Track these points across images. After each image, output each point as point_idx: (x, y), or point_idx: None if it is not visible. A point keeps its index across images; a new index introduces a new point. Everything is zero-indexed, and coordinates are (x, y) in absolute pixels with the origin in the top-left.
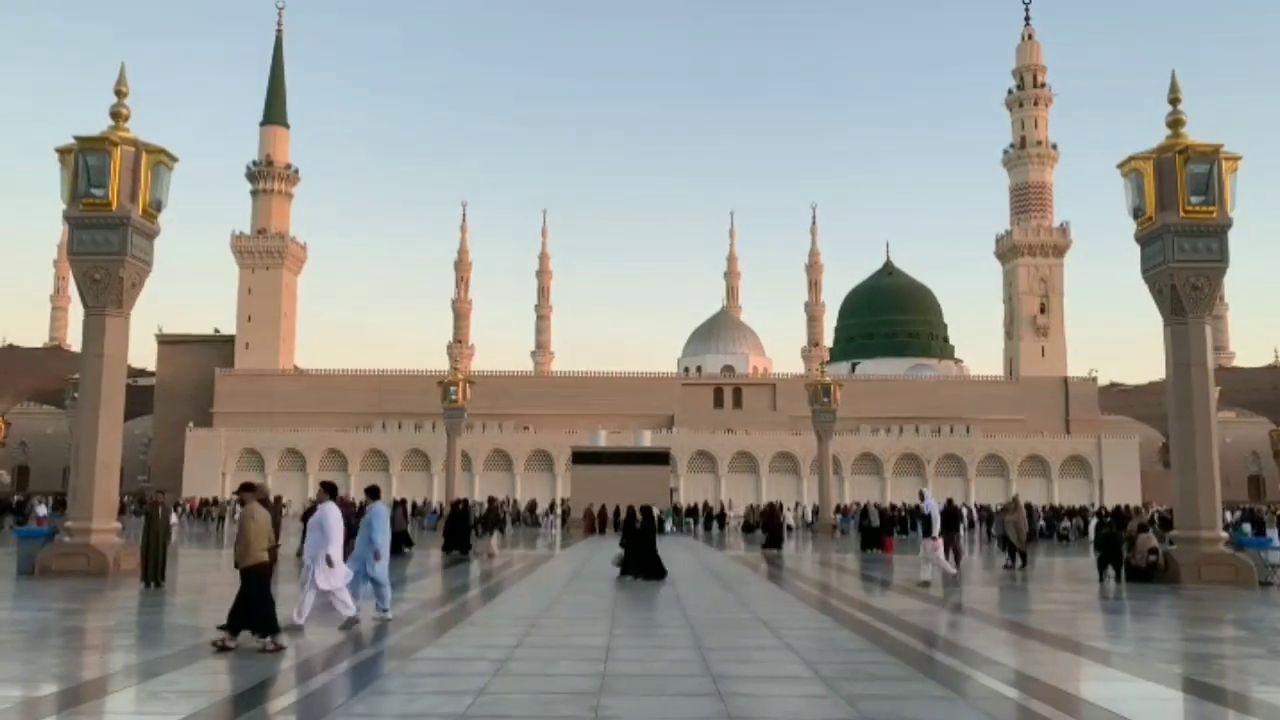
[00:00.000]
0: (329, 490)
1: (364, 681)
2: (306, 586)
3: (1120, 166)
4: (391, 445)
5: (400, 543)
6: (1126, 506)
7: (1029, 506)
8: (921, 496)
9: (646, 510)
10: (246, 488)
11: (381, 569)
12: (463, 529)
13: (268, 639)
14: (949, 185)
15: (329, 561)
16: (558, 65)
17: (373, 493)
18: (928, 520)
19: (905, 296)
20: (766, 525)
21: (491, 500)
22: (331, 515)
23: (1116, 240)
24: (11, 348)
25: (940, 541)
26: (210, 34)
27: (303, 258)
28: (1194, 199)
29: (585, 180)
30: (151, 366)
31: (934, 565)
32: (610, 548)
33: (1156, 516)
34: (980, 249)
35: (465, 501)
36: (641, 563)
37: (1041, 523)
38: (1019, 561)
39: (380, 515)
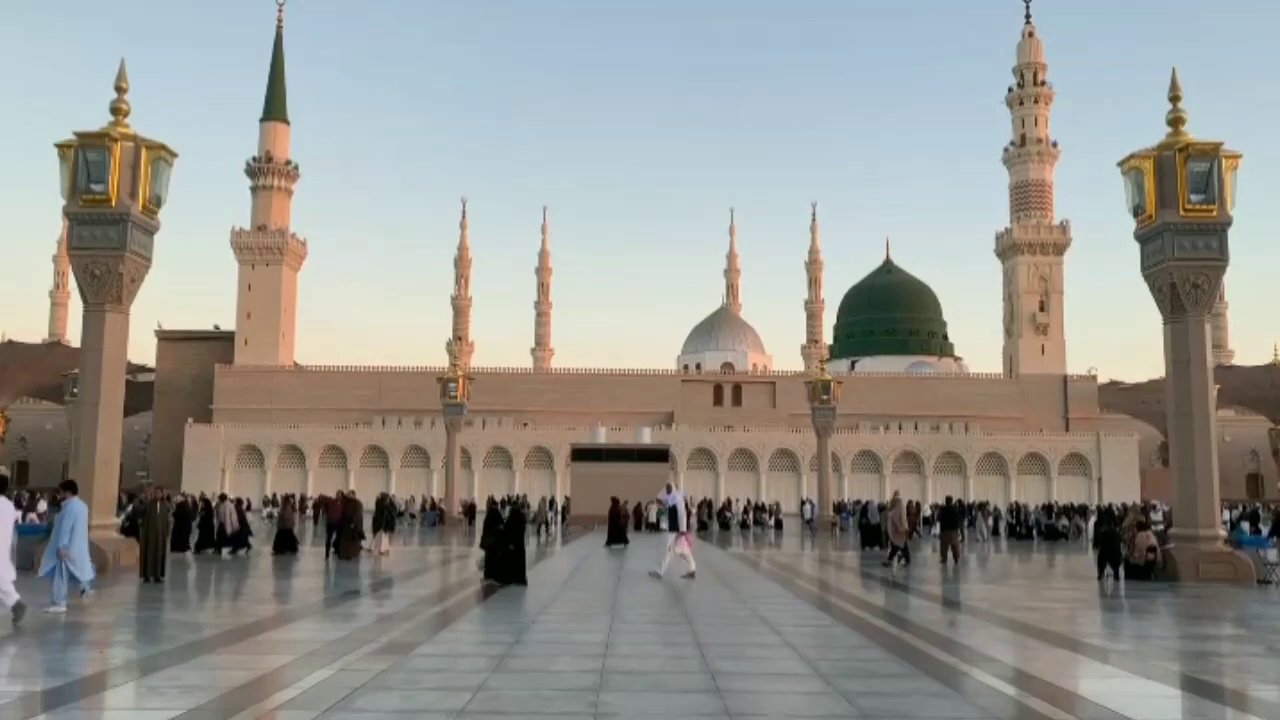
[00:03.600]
0: None
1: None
2: None
3: (1120, 164)
4: (391, 442)
5: (290, 540)
6: (1123, 505)
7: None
8: (668, 489)
9: (514, 507)
10: None
11: (78, 559)
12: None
13: None
14: (949, 183)
15: None
16: (558, 61)
17: (70, 487)
18: (674, 513)
19: (905, 294)
20: (610, 521)
21: (382, 496)
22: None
23: (1116, 238)
24: (11, 343)
25: (685, 537)
26: (210, 29)
27: (303, 254)
28: (1194, 197)
29: (586, 177)
30: (151, 362)
31: (677, 555)
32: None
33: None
34: (980, 247)
35: (350, 496)
36: (501, 566)
37: (1038, 520)
38: (901, 559)
39: (72, 512)
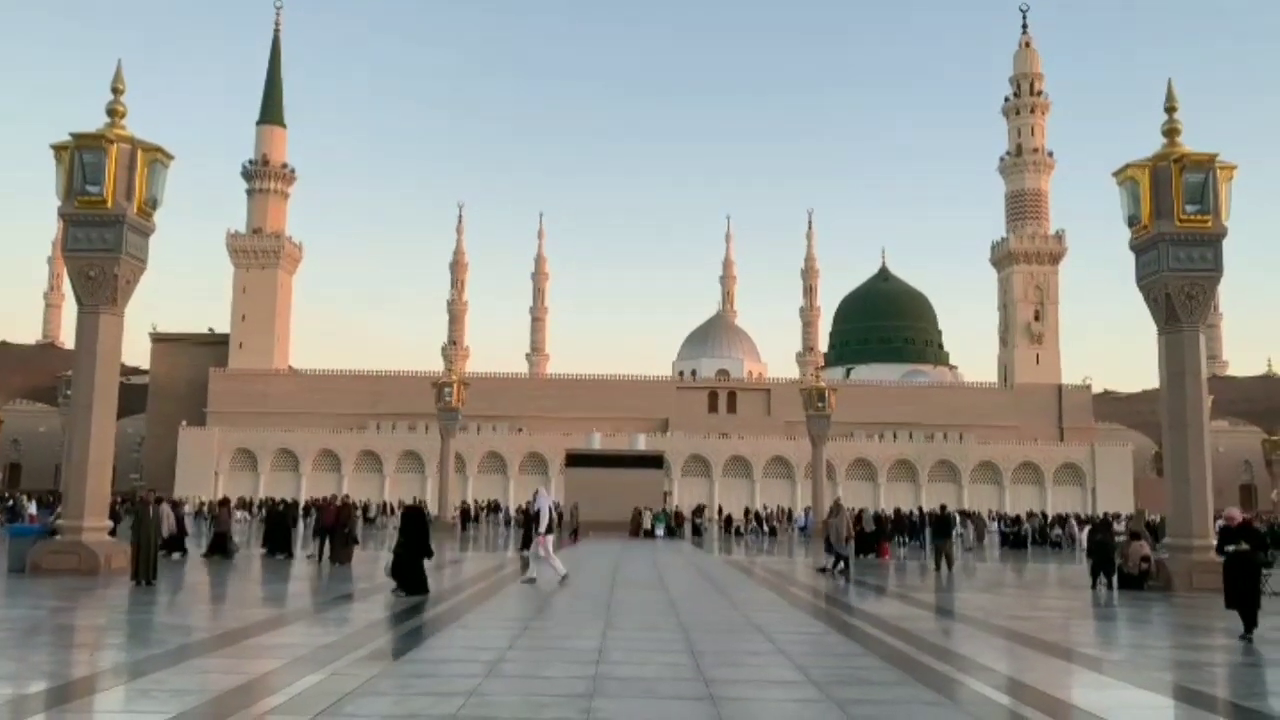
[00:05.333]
0: None
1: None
2: None
3: (1116, 175)
4: (385, 447)
5: (224, 544)
6: (1116, 514)
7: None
8: (536, 494)
9: (415, 513)
10: None
11: None
12: (283, 531)
13: None
14: (945, 192)
15: None
16: (555, 67)
17: None
18: (536, 517)
19: (900, 302)
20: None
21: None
22: None
23: (1111, 248)
24: (5, 345)
25: (549, 539)
26: (208, 32)
27: (298, 257)
28: (1189, 208)
29: (582, 183)
30: (145, 365)
31: (544, 562)
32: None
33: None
34: (976, 256)
35: (285, 502)
36: (404, 572)
37: (1029, 528)
38: (841, 564)
39: None
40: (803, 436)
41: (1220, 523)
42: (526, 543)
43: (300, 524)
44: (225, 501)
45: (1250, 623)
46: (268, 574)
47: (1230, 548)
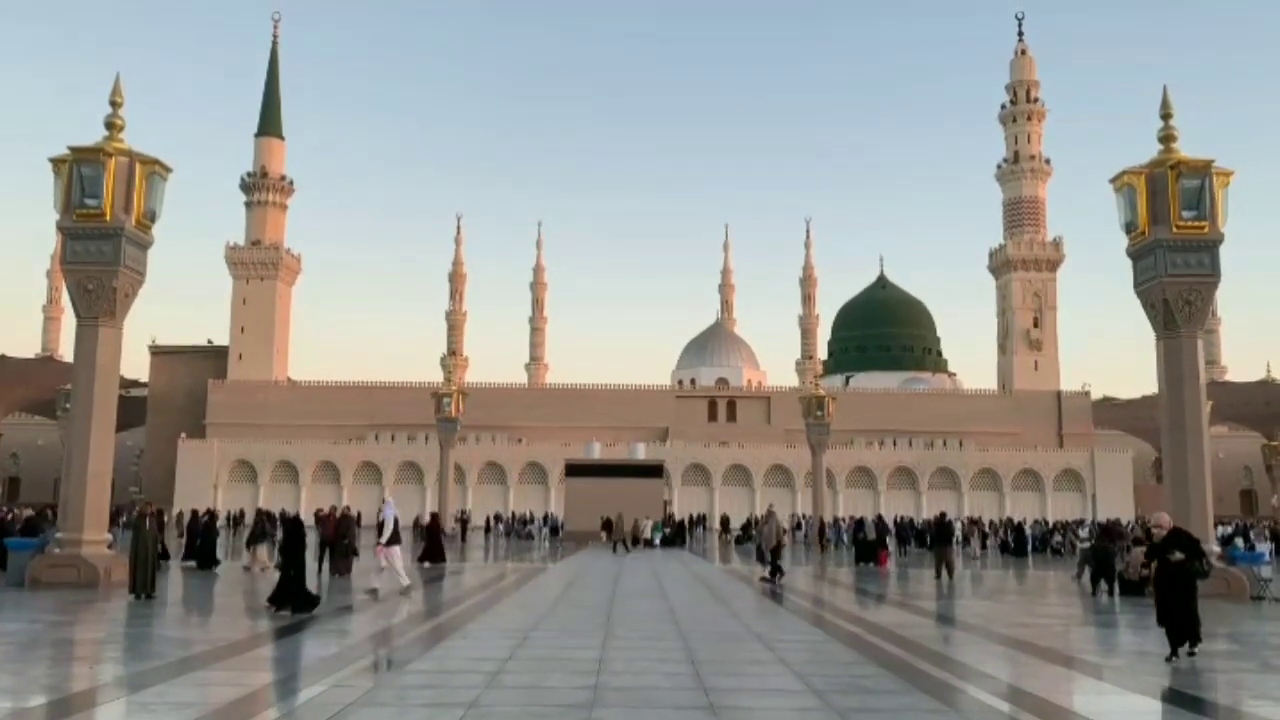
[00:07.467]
0: None
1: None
2: None
3: (1113, 181)
4: (384, 457)
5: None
6: (1080, 520)
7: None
8: (383, 502)
9: (290, 525)
10: None
11: None
12: (208, 542)
13: None
14: (943, 199)
15: None
16: (553, 78)
17: None
18: (381, 526)
19: (899, 310)
20: (429, 538)
21: (259, 512)
22: None
23: (1109, 255)
24: (3, 358)
25: (396, 549)
26: (206, 45)
27: (297, 269)
28: (1186, 213)
29: (580, 192)
30: (144, 377)
31: (390, 573)
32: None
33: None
34: (974, 263)
35: (211, 512)
36: (281, 588)
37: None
38: (773, 570)
39: None
40: (802, 444)
41: (1155, 529)
42: (427, 555)
43: (264, 531)
44: (158, 513)
45: (1188, 640)
46: (269, 586)
47: (1177, 555)
